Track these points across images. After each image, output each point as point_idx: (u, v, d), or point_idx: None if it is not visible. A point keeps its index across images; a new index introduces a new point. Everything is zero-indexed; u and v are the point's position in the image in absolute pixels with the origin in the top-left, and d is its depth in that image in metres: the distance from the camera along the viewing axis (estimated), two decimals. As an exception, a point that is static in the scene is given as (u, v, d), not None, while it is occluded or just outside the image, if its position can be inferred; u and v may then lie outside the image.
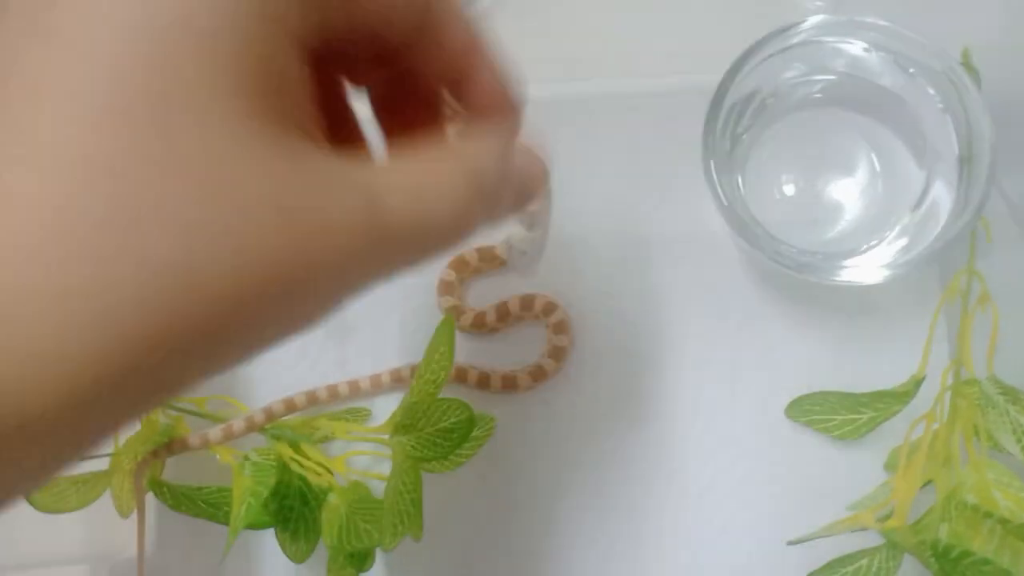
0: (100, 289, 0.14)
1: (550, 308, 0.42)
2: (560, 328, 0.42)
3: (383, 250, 0.18)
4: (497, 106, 0.22)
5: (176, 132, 0.15)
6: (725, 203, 0.39)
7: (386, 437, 0.38)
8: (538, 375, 0.41)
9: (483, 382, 0.41)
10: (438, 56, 0.21)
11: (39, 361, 0.14)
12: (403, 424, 0.36)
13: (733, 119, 0.41)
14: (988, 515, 0.31)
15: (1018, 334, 0.37)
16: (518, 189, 0.24)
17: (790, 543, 0.38)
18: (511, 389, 0.41)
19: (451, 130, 0.23)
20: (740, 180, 0.41)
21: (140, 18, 0.16)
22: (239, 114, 0.16)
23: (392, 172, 0.19)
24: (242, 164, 0.16)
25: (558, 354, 0.42)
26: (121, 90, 0.15)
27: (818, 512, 0.39)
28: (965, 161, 0.38)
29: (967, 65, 0.40)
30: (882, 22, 0.38)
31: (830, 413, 0.40)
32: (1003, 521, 0.31)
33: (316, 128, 0.18)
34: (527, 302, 0.42)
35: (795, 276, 0.38)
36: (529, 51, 0.47)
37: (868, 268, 0.37)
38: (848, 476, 0.40)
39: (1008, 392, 0.35)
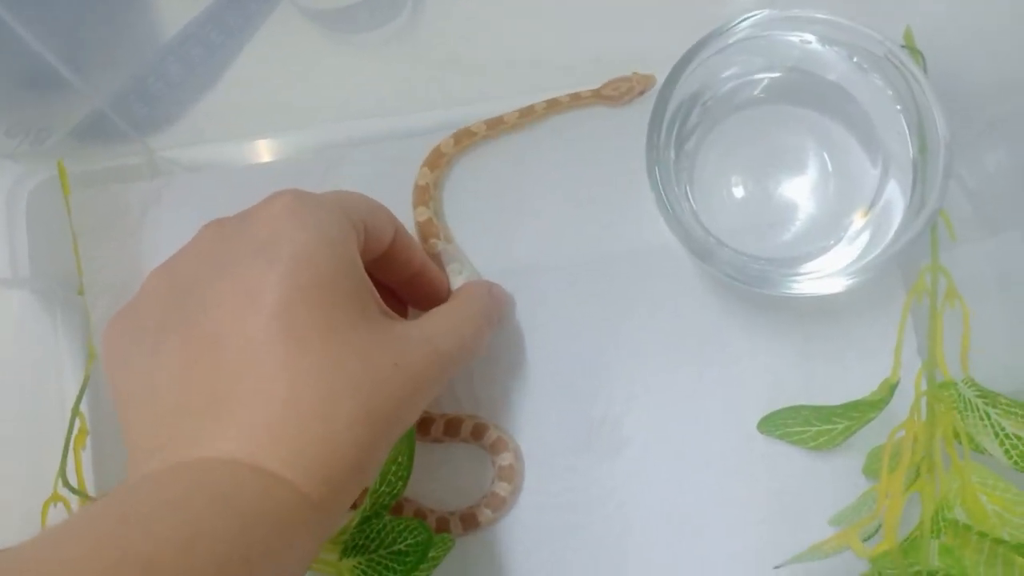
0: (333, 428, 0.26)
1: (479, 431, 0.39)
2: (498, 447, 0.39)
3: (444, 370, 0.31)
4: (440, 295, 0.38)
5: (339, 325, 0.27)
6: (672, 215, 0.36)
7: (333, 558, 0.34)
8: (496, 505, 0.38)
9: (443, 525, 0.38)
10: (423, 280, 0.37)
11: (325, 460, 0.26)
12: (353, 545, 0.33)
13: (676, 125, 0.38)
14: (981, 535, 0.30)
15: (990, 328, 0.36)
16: (499, 313, 0.38)
17: (777, 568, 0.36)
18: (472, 528, 0.38)
19: (455, 282, 0.39)
20: (688, 189, 0.39)
21: (312, 264, 0.27)
22: (366, 308, 0.29)
23: (435, 323, 0.32)
24: (372, 338, 0.28)
25: (508, 474, 0.38)
26: (301, 298, 0.27)
27: (802, 526, 0.38)
28: (919, 159, 0.36)
29: (912, 48, 0.38)
30: (821, 15, 0.36)
31: (804, 425, 0.38)
32: (997, 541, 0.29)
33: (384, 307, 0.31)
34: (452, 426, 0.39)
35: (752, 290, 0.36)
36: (445, 72, 0.44)
37: (826, 277, 0.36)
38: (829, 485, 0.39)
39: (986, 395, 0.33)
